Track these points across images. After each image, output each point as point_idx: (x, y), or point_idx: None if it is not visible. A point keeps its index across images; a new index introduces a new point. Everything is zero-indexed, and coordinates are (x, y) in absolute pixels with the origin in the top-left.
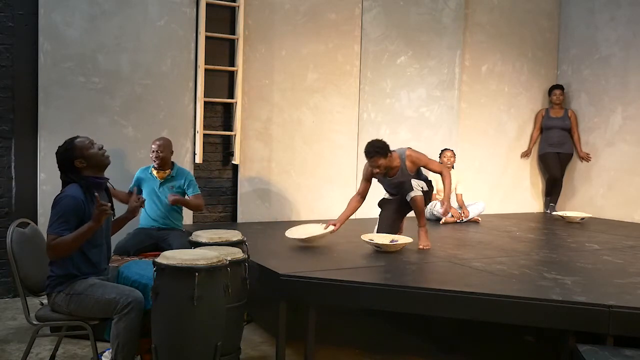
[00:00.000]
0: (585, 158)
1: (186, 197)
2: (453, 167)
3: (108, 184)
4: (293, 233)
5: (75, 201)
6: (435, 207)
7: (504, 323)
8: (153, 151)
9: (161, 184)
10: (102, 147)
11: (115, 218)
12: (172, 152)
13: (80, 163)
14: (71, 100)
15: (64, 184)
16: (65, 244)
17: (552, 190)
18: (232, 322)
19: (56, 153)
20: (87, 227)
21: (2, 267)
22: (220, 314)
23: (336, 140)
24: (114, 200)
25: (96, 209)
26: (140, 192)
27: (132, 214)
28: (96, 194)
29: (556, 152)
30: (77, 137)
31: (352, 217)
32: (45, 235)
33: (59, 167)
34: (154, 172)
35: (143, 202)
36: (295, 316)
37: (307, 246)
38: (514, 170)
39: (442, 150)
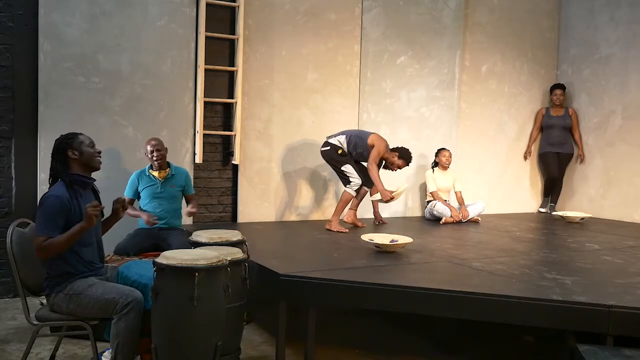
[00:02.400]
0: (582, 159)
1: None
2: (448, 167)
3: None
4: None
5: (59, 200)
6: (435, 207)
7: (504, 323)
8: (152, 151)
9: (162, 184)
10: (99, 152)
11: (103, 219)
12: (166, 150)
13: (73, 154)
14: (71, 100)
15: (51, 180)
16: (57, 245)
17: (551, 190)
18: (232, 322)
19: (55, 140)
20: (80, 227)
21: (2, 267)
22: (220, 314)
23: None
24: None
25: (89, 209)
26: (138, 198)
27: (114, 216)
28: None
29: (556, 152)
30: (82, 134)
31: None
32: None
33: (52, 154)
34: (154, 173)
35: (123, 202)
36: (295, 316)
37: (312, 246)
38: (513, 170)
39: (439, 150)
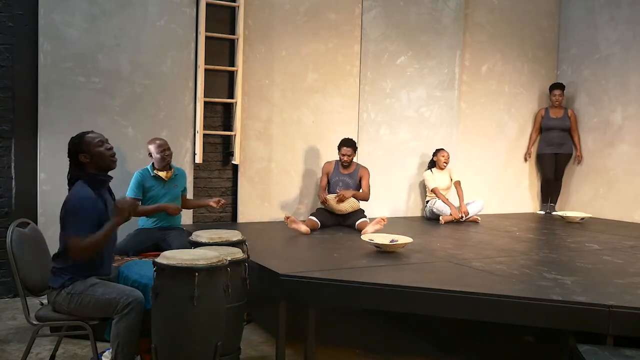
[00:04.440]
0: (579, 160)
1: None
2: (445, 167)
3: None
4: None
5: (89, 201)
6: (435, 204)
7: (504, 323)
8: (163, 150)
9: (167, 184)
10: (111, 148)
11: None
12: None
13: (85, 158)
14: (71, 100)
15: (71, 180)
16: (96, 243)
17: (548, 193)
18: (232, 322)
19: (68, 143)
20: (114, 222)
21: (2, 267)
22: (220, 314)
23: (336, 140)
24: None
25: (121, 204)
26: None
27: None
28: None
29: (554, 152)
30: (90, 132)
31: None
32: (45, 235)
33: (68, 156)
34: (159, 172)
35: (136, 206)
36: (295, 316)
37: (312, 246)
38: (514, 170)
39: (438, 150)
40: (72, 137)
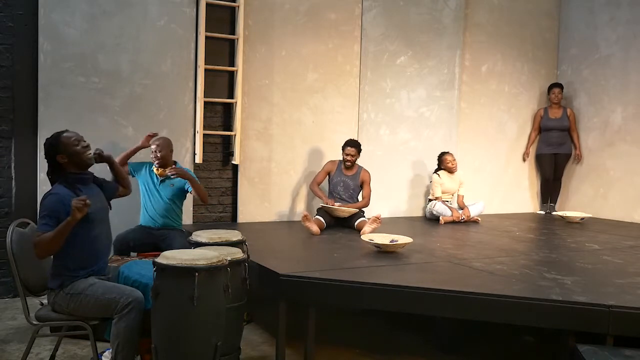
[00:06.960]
0: (578, 159)
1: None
2: (455, 170)
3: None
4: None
5: (57, 198)
6: (434, 206)
7: (504, 323)
8: (152, 151)
9: (161, 182)
10: (87, 146)
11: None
12: (172, 151)
13: (62, 159)
14: (71, 100)
15: (52, 182)
16: (46, 241)
17: (547, 193)
18: (232, 322)
19: (44, 144)
20: (66, 223)
21: (2, 267)
22: (220, 314)
23: (336, 140)
24: (112, 196)
25: (73, 202)
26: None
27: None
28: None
29: (553, 152)
30: (65, 131)
31: None
32: None
33: (45, 157)
34: (156, 169)
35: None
36: (295, 316)
37: (312, 246)
38: (514, 170)
39: (442, 154)
40: (48, 139)
